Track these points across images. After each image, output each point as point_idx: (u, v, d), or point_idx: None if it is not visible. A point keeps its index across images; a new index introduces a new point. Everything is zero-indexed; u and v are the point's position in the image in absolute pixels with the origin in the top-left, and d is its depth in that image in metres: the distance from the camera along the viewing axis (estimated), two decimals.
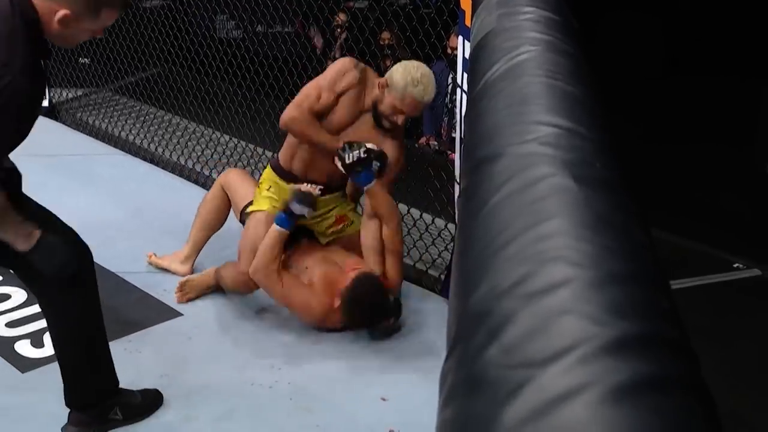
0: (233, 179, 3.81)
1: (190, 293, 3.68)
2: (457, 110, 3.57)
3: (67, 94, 6.53)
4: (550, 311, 0.72)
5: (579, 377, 0.63)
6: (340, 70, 3.39)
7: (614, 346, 0.66)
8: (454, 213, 3.66)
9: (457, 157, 3.56)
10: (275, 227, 3.36)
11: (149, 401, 2.98)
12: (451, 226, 3.86)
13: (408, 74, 3.29)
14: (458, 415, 0.70)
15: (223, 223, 3.85)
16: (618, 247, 0.80)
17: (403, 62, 3.40)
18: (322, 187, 3.47)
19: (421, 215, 4.08)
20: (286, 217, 3.36)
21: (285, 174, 3.55)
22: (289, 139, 3.54)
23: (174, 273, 3.87)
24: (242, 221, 3.69)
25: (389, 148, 3.41)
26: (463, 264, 0.90)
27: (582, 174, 0.91)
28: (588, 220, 0.83)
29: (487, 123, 1.12)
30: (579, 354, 0.66)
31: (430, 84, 3.32)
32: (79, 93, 6.56)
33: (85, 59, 6.42)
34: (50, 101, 6.40)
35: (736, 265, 4.00)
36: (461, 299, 0.84)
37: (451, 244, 3.84)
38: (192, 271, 3.86)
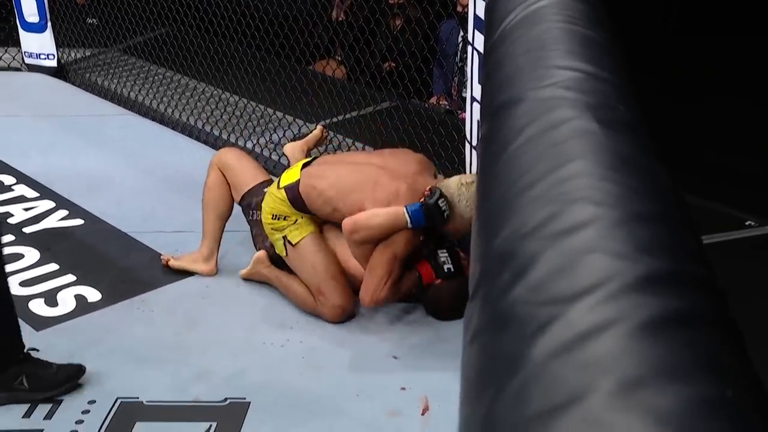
0: (230, 161, 3.65)
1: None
2: (468, 69, 3.55)
3: (76, 55, 6.51)
4: (576, 250, 0.71)
5: (607, 313, 0.63)
6: (409, 239, 3.16)
7: (642, 283, 0.66)
8: (466, 172, 3.64)
9: (467, 116, 3.54)
10: (407, 217, 3.08)
11: (63, 377, 2.84)
12: None
13: (474, 205, 3.15)
14: (485, 352, 0.70)
15: (233, 207, 3.68)
16: (643, 187, 0.79)
17: (463, 185, 3.17)
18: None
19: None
20: (424, 217, 3.10)
21: (311, 211, 3.36)
22: (322, 203, 3.31)
23: (199, 274, 3.65)
24: (246, 212, 3.59)
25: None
26: (485, 207, 0.90)
27: (605, 117, 0.91)
28: (612, 162, 0.82)
29: (505, 69, 1.11)
30: (606, 290, 0.65)
31: None
32: (88, 53, 6.54)
33: (93, 19, 6.39)
34: (59, 61, 6.38)
35: (748, 223, 3.99)
36: (484, 241, 0.84)
37: None
38: (217, 270, 3.66)
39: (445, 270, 3.25)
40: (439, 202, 3.08)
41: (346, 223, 3.13)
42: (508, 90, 1.03)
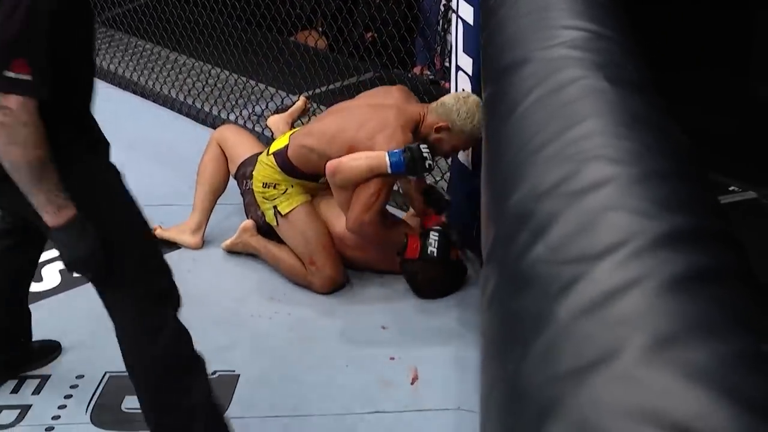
0: (229, 135, 3.66)
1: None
2: (452, 38, 3.52)
3: None
4: (596, 208, 0.70)
5: (633, 270, 0.62)
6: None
7: (665, 239, 0.65)
8: None
9: (452, 85, 3.52)
10: (387, 162, 3.03)
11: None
12: None
13: (473, 117, 3.11)
14: (506, 312, 0.69)
15: (227, 182, 3.68)
16: (658, 144, 0.79)
17: (459, 100, 3.15)
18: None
19: None
20: (404, 163, 3.04)
21: (304, 175, 3.34)
22: (312, 155, 3.27)
23: (185, 246, 3.63)
24: (240, 182, 3.56)
25: None
26: (496, 168, 0.88)
27: (613, 75, 0.89)
28: (625, 120, 0.81)
29: (509, 30, 1.09)
30: (630, 248, 0.65)
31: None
32: None
33: None
34: None
35: (732, 189, 4.00)
36: (497, 203, 0.82)
37: (448, 173, 3.82)
38: (203, 242, 3.65)
39: (428, 252, 3.22)
40: (422, 147, 3.05)
41: (329, 165, 3.10)
42: (512, 51, 1.01)
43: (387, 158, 3.03)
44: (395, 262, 3.34)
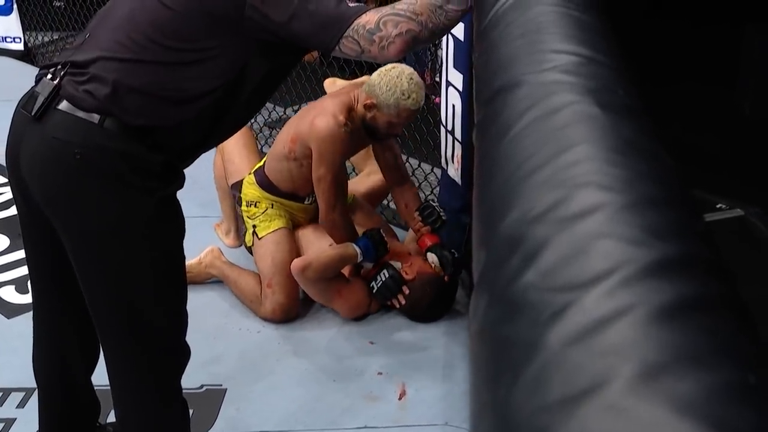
0: (229, 142, 3.66)
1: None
2: (442, 54, 3.53)
3: (43, 38, 6.41)
4: (587, 235, 0.71)
5: (623, 298, 0.63)
6: (335, 147, 3.12)
7: (655, 268, 0.66)
8: (440, 157, 3.64)
9: (442, 100, 3.53)
10: (357, 249, 3.15)
11: None
12: (437, 170, 3.85)
13: (395, 88, 3.07)
14: (496, 339, 0.69)
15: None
16: (649, 171, 0.79)
17: (381, 73, 3.15)
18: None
19: (407, 159, 4.05)
20: (373, 248, 3.18)
21: (281, 193, 3.35)
22: (276, 163, 3.33)
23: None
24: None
25: (390, 145, 3.45)
26: (487, 192, 0.89)
27: (606, 101, 0.90)
28: (616, 145, 0.82)
29: (501, 53, 1.10)
30: (620, 276, 0.65)
31: (419, 86, 3.13)
32: (55, 36, 6.44)
33: (60, 2, 6.29)
34: (26, 45, 6.29)
35: (719, 206, 4.01)
36: (489, 227, 0.83)
37: (437, 188, 3.83)
38: (237, 242, 3.70)
39: (370, 284, 3.22)
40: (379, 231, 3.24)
41: (296, 263, 3.14)
42: (505, 74, 1.02)
43: (356, 247, 3.14)
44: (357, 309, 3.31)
